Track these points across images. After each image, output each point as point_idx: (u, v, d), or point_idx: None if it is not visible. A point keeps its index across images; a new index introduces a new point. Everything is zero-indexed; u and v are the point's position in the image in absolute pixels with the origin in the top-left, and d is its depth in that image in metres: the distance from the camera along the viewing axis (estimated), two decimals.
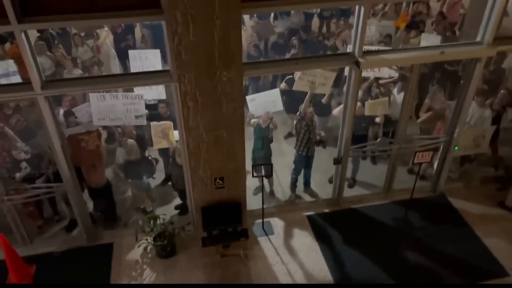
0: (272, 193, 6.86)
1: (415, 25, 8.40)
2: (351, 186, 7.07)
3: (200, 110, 4.80)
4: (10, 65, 5.36)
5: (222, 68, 4.57)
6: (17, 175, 5.63)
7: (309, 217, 6.54)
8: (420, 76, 6.14)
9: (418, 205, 6.60)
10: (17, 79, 5.68)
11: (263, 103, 6.27)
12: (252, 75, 5.46)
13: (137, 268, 5.79)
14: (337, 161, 6.26)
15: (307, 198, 6.89)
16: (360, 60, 5.36)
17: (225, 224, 5.60)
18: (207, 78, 4.61)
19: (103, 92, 5.29)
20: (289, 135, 7.94)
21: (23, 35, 4.49)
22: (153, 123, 5.74)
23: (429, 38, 7.18)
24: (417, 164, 6.16)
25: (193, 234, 6.01)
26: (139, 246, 5.81)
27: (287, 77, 7.25)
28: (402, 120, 6.14)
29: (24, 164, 5.68)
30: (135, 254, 5.95)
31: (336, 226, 6.38)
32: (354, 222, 6.48)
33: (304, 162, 6.62)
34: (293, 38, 8.23)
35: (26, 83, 4.85)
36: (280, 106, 6.38)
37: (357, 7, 5.07)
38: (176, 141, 5.79)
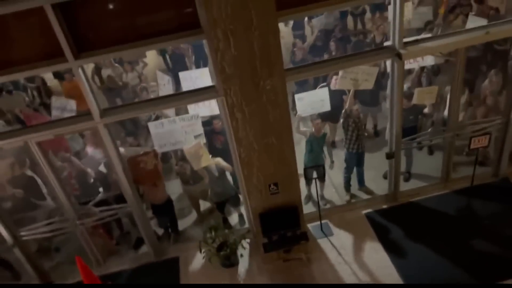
0: (323, 197, 6.85)
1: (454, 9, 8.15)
2: (407, 179, 6.93)
3: (248, 120, 4.94)
4: (70, 103, 5.73)
5: (265, 77, 4.70)
6: (92, 200, 6.03)
7: (367, 214, 6.48)
8: (467, 60, 5.96)
9: (481, 192, 6.36)
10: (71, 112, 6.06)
11: (311, 103, 6.25)
12: (295, 80, 5.56)
13: (204, 280, 5.98)
14: (389, 156, 6.18)
15: (363, 196, 6.83)
16: (402, 51, 5.30)
17: (284, 228, 5.67)
18: (251, 89, 4.75)
19: (154, 114, 5.58)
20: (333, 144, 7.82)
21: (80, 70, 4.87)
22: (185, 147, 5.88)
23: (476, 21, 6.92)
24: (474, 150, 5.95)
25: (254, 241, 6.14)
26: (203, 257, 6.01)
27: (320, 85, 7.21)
28: (453, 106, 5.98)
29: (100, 189, 6.09)
30: (200, 265, 6.15)
31: (396, 222, 6.27)
32: (415, 216, 6.34)
33: (355, 160, 6.58)
34: (331, 41, 8.24)
35: (86, 114, 5.24)
36: (327, 107, 6.34)
37: None
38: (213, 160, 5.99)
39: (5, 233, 5.67)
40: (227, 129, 5.37)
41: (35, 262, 6.12)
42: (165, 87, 7.22)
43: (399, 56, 5.34)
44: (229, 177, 6.49)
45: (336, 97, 6.67)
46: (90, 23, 4.71)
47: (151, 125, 5.62)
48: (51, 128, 5.29)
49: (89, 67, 8.62)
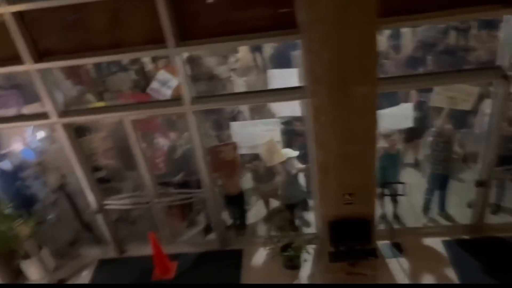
0: (396, 216, 6.53)
1: None
2: (494, 212, 6.36)
3: (332, 125, 4.86)
4: (172, 80, 5.95)
5: (356, 84, 4.58)
6: (172, 180, 6.37)
7: (444, 242, 6.06)
8: None
9: None
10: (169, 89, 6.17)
11: (393, 118, 6.04)
12: (388, 90, 5.35)
13: (264, 277, 6.01)
14: (480, 184, 5.72)
15: (442, 221, 6.40)
16: (510, 73, 4.88)
17: (353, 241, 5.50)
18: (340, 94, 4.66)
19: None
20: (416, 164, 7.44)
21: (178, 58, 5.12)
22: (258, 143, 5.93)
23: None
24: None
25: (319, 248, 6.05)
26: (267, 255, 6.04)
27: None
28: None
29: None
30: (263, 262, 6.19)
31: (477, 255, 5.79)
32: (499, 252, 5.81)
33: (439, 182, 6.20)
34: (429, 55, 7.82)
35: (176, 99, 5.51)
36: (410, 123, 6.10)
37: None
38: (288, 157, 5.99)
39: (92, 200, 6.18)
40: (309, 132, 5.33)
41: (114, 230, 6.58)
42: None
43: (505, 77, 4.92)
44: (301, 181, 6.45)
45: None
46: (193, 13, 4.94)
47: (234, 125, 5.76)
48: (144, 109, 5.66)
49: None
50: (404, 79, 5.19)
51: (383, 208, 6.49)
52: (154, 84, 5.64)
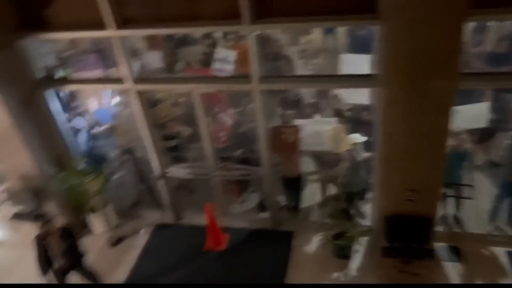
0: (458, 219, 6.22)
1: None
2: None
3: (403, 117, 4.68)
4: (230, 54, 5.98)
5: (435, 77, 4.36)
6: (233, 155, 6.51)
7: (509, 253, 5.71)
8: None
9: None
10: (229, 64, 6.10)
11: (466, 116, 5.70)
12: (470, 87, 5.01)
13: (313, 262, 6.03)
14: None
15: (510, 231, 6.02)
16: None
17: (410, 239, 5.34)
18: (416, 85, 4.46)
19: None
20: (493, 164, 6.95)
21: (252, 36, 5.12)
22: (325, 129, 5.91)
23: None
24: None
25: (372, 241, 5.94)
26: (318, 241, 6.03)
27: None
28: None
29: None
30: (313, 247, 6.20)
31: None
32: None
33: (511, 190, 5.80)
34: None
35: (245, 77, 5.54)
36: (483, 123, 5.77)
37: None
38: (354, 144, 5.88)
39: (157, 166, 6.47)
40: (377, 122, 5.16)
41: (173, 197, 6.87)
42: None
43: None
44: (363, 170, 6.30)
45: None
46: None
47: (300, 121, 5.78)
48: (213, 83, 5.77)
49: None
50: (488, 77, 4.84)
51: (445, 209, 6.24)
52: (216, 64, 5.73)
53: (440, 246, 5.87)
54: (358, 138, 5.95)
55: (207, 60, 8.84)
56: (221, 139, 6.77)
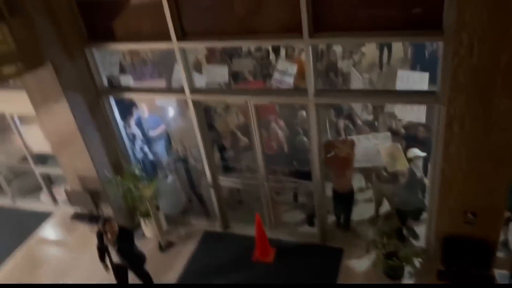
0: None
1: None
2: None
3: (466, 137, 4.51)
4: (292, 67, 6.04)
5: (502, 95, 4.18)
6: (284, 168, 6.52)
7: None
8: None
9: None
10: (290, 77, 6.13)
11: None
12: None
13: (362, 280, 5.87)
14: None
15: None
16: None
17: (469, 263, 5.10)
18: (481, 104, 4.30)
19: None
20: None
21: (310, 49, 5.14)
22: (381, 146, 5.76)
23: None
24: None
25: (426, 262, 5.71)
26: (369, 259, 5.88)
27: None
28: None
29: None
30: (363, 265, 6.05)
31: None
32: None
33: None
34: None
35: (301, 89, 5.55)
36: None
37: None
38: (411, 160, 5.69)
39: (208, 174, 6.59)
40: (436, 140, 5.00)
41: (222, 205, 6.95)
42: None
43: None
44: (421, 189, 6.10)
45: None
46: (330, 5, 4.87)
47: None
48: (268, 95, 5.84)
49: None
50: None
51: (506, 234, 5.91)
52: (276, 75, 5.79)
53: (501, 274, 5.55)
54: (418, 153, 5.77)
55: (259, 72, 9.03)
56: (273, 147, 6.82)
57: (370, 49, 9.14)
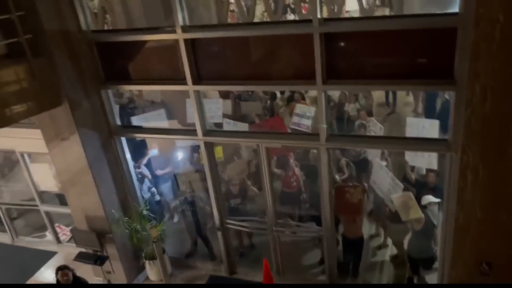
0: None
1: None
2: None
3: (480, 185, 4.50)
4: (310, 109, 6.14)
5: None
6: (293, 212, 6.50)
7: None
8: None
9: None
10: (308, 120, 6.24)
11: None
12: None
13: None
14: None
15: None
16: None
17: None
18: (495, 152, 4.32)
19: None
20: None
21: (323, 95, 5.25)
22: (393, 196, 5.73)
23: None
24: None
25: None
26: None
27: None
28: None
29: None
30: None
31: None
32: None
33: None
34: None
35: (314, 134, 5.61)
36: None
37: None
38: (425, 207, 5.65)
39: (216, 217, 6.52)
40: (449, 187, 4.99)
41: (229, 249, 6.83)
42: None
43: None
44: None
45: None
46: (343, 54, 5.05)
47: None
48: (281, 139, 5.90)
49: None
50: None
51: None
52: (295, 119, 5.91)
53: None
54: (432, 199, 5.71)
55: (267, 113, 9.20)
56: (292, 185, 6.83)
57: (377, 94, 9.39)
